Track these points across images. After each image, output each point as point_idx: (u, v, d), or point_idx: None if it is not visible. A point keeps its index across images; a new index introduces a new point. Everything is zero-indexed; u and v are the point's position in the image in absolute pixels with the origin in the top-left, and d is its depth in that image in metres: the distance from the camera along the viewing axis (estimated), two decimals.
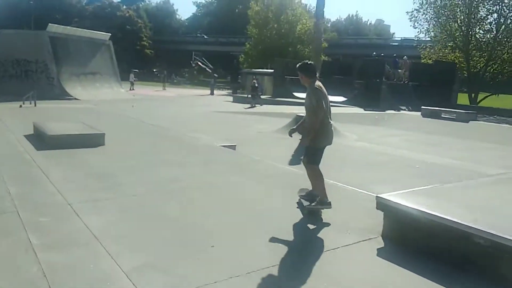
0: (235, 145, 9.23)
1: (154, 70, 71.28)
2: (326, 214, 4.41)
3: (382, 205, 3.84)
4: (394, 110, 20.07)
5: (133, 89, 34.81)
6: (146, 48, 62.46)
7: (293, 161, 7.97)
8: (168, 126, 11.80)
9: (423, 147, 11.76)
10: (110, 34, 28.62)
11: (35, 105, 14.60)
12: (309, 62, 4.66)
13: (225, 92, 44.04)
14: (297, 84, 28.04)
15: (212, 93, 37.54)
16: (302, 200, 4.69)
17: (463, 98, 28.57)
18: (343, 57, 56.88)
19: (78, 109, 15.48)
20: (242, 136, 11.99)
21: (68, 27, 26.56)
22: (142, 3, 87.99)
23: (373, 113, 18.59)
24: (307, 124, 4.43)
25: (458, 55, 27.96)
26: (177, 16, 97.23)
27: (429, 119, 16.67)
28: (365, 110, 20.21)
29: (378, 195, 3.90)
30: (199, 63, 43.56)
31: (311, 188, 4.67)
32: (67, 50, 24.53)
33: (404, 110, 20.60)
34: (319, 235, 3.96)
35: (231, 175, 6.09)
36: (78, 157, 6.68)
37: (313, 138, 4.27)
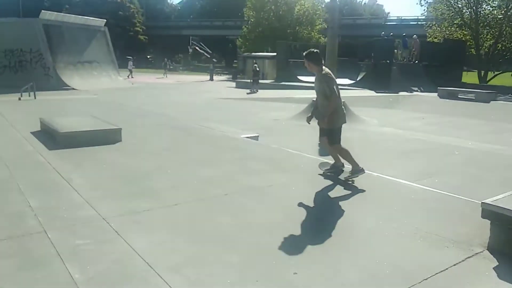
0: (257, 136, 8.56)
1: (148, 56, 70.01)
2: (400, 221, 3.76)
3: (489, 212, 3.18)
4: (407, 91, 19.40)
5: (132, 77, 33.81)
6: (139, 34, 60.88)
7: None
8: (179, 116, 11.09)
9: (451, 130, 11.12)
10: (105, 20, 27.49)
11: (34, 98, 13.74)
12: (315, 50, 4.88)
13: (224, 77, 43.12)
14: (301, 67, 27.25)
15: (211, 79, 36.64)
16: (329, 174, 5.15)
17: (468, 77, 27.92)
18: (342, 38, 55.92)
19: (80, 100, 14.65)
20: (259, 124, 11.29)
21: (62, 13, 25.44)
22: None
23: (386, 96, 17.91)
24: (321, 108, 4.85)
25: (465, 32, 27.18)
26: (169, 1, 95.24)
27: (447, 100, 16.02)
28: (376, 92, 19.50)
29: (484, 202, 3.23)
30: (196, 48, 42.41)
31: (332, 162, 5.21)
32: (62, 38, 23.49)
33: (417, 91, 19.94)
34: (417, 252, 3.26)
35: (274, 174, 5.40)
36: (97, 157, 5.96)
37: (329, 120, 4.70)
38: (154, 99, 16.98)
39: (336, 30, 12.90)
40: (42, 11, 23.48)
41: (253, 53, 36.45)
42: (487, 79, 26.38)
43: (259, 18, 45.70)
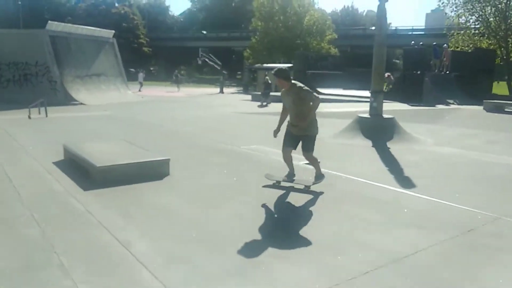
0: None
1: (151, 68, 68.85)
2: None
3: None
4: (442, 104, 18.07)
5: (140, 90, 32.54)
6: (143, 46, 59.77)
7: (415, 183, 5.73)
8: (210, 135, 9.75)
9: None
10: (113, 31, 26.26)
11: (46, 115, 12.33)
12: (285, 68, 5.10)
13: (232, 89, 41.84)
14: (321, 79, 26.07)
15: (221, 91, 35.33)
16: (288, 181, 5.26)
17: (498, 88, 26.62)
18: (351, 48, 54.95)
19: (95, 117, 13.24)
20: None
21: (69, 24, 24.14)
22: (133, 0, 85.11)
23: (424, 109, 16.56)
24: (299, 118, 4.90)
25: (490, 41, 26.00)
26: (170, 12, 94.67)
27: (495, 114, 14.67)
28: (410, 105, 18.17)
29: None
30: (206, 59, 41.19)
31: (288, 171, 5.31)
32: (69, 50, 22.21)
33: (453, 104, 18.60)
34: None
35: (382, 225, 3.97)
36: (150, 201, 4.54)
37: (310, 127, 4.95)
38: (172, 114, 15.57)
39: (384, 38, 11.59)
40: (49, 21, 22.23)
41: (265, 65, 35.17)
42: None
43: (267, 29, 44.61)
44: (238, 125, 13.68)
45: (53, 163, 6.20)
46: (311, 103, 4.81)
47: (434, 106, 17.33)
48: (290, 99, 4.93)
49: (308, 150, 5.03)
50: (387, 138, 10.69)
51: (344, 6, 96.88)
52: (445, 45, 21.80)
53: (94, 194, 4.67)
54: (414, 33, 55.50)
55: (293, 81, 4.94)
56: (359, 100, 22.23)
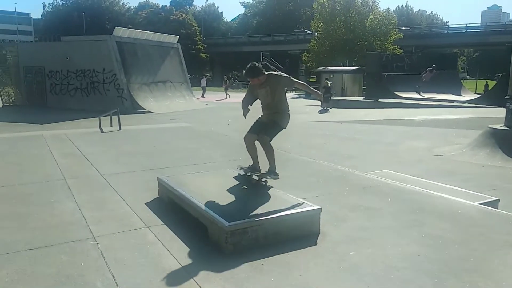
0: (497, 200, 5.10)
1: (207, 74, 68.67)
2: None
3: None
4: None
5: (203, 96, 31.58)
6: (201, 52, 59.50)
7: None
8: (308, 152, 7.90)
9: None
10: (178, 36, 25.35)
11: (119, 128, 11.09)
12: (256, 64, 4.60)
13: (292, 93, 39.93)
14: (398, 82, 23.51)
15: None
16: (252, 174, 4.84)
17: None
18: (415, 48, 51.28)
19: (172, 130, 11.81)
20: (428, 166, 7.90)
21: (135, 30, 23.44)
22: (189, 7, 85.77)
23: None
24: (277, 108, 4.64)
25: None
26: (223, 18, 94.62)
27: None
28: None
29: None
30: (267, 64, 39.70)
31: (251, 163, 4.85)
32: (135, 57, 21.42)
33: None
34: None
35: None
36: None
37: (284, 117, 4.66)
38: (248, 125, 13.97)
39: None
40: (116, 27, 21.60)
41: (329, 67, 33.00)
42: None
43: (328, 30, 42.37)
44: (327, 137, 11.77)
45: (146, 204, 4.61)
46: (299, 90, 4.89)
47: None
48: (268, 89, 4.55)
49: (267, 134, 4.56)
50: None
51: (399, 6, 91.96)
52: None
53: (231, 281, 2.94)
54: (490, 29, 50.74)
55: (267, 72, 4.59)
56: (447, 105, 19.62)
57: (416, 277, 2.95)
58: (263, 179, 4.70)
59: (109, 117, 12.36)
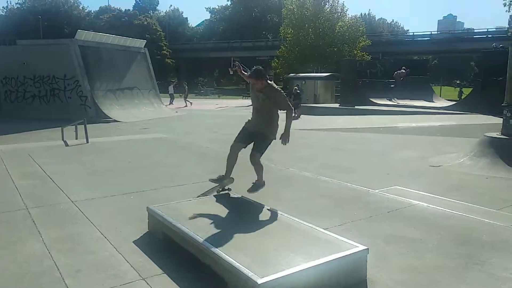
0: None
1: (172, 80, 67.09)
2: None
3: None
4: None
5: (172, 103, 30.34)
6: (166, 58, 57.89)
7: None
8: (307, 167, 7.13)
9: None
10: (145, 40, 24.13)
11: (87, 141, 9.93)
12: (261, 67, 4.67)
13: None
14: (372, 88, 23.31)
15: None
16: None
17: None
18: (382, 55, 52.12)
19: (148, 142, 10.74)
20: (428, 179, 7.35)
21: (100, 33, 22.04)
22: (153, 12, 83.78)
23: None
24: (264, 119, 4.59)
25: None
26: (188, 24, 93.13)
27: None
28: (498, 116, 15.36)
29: None
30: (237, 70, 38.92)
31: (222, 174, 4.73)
32: (100, 62, 20.05)
33: None
34: None
35: None
36: None
37: (274, 130, 4.60)
38: (229, 135, 13.10)
39: None
40: (79, 30, 20.11)
41: (301, 74, 32.62)
42: None
43: (298, 36, 42.19)
44: (313, 147, 11.04)
45: (135, 243, 3.68)
46: (282, 110, 4.58)
47: None
48: (261, 97, 4.55)
49: (258, 151, 4.54)
50: None
51: (361, 14, 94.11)
52: None
53: None
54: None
55: (269, 82, 4.64)
56: (425, 112, 19.54)
57: None
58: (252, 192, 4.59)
59: (73, 127, 11.17)
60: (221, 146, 10.19)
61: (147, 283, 2.94)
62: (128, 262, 3.29)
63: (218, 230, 3.33)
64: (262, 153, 4.57)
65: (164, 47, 58.06)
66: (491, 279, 3.00)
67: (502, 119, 15.47)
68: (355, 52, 42.13)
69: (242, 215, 3.82)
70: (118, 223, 4.19)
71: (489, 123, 15.09)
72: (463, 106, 18.50)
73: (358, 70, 24.54)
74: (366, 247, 2.96)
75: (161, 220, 3.66)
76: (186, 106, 29.71)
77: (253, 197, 4.46)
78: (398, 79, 23.71)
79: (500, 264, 3.23)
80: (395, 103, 22.87)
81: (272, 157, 7.23)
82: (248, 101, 30.51)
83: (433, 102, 23.89)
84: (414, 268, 3.17)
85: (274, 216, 3.81)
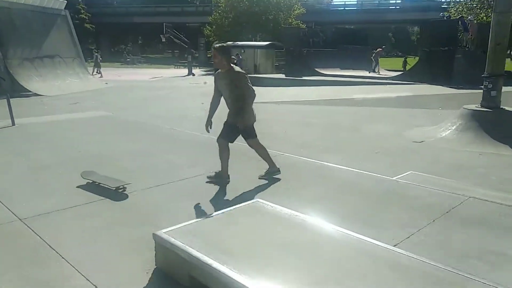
0: None
1: (93, 48, 61.74)
2: None
3: None
4: (476, 86, 15.55)
5: (99, 72, 27.39)
6: (85, 23, 52.47)
7: None
8: (275, 144, 6.14)
9: None
10: (65, 1, 20.99)
11: (12, 123, 7.91)
12: (226, 44, 4.73)
13: (198, 70, 37.38)
14: (316, 58, 22.73)
15: (191, 73, 30.95)
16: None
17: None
18: (315, 24, 51.94)
19: (90, 122, 8.89)
20: (411, 158, 6.73)
21: None
22: None
23: (468, 93, 13.89)
24: (236, 108, 4.41)
25: (489, 14, 24.10)
26: None
27: None
28: (449, 87, 15.55)
29: None
30: (171, 36, 36.11)
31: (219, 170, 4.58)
32: (12, 26, 17.03)
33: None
34: None
35: None
36: None
37: (245, 119, 4.43)
38: (172, 109, 11.59)
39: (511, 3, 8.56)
40: None
41: (239, 42, 31.03)
42: None
43: (232, 2, 40.25)
44: (277, 122, 9.94)
45: None
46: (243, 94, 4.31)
47: (466, 88, 14.87)
48: (225, 82, 4.37)
49: (251, 137, 4.57)
50: None
51: None
52: (470, 17, 19.26)
53: None
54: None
55: (232, 65, 4.36)
56: (372, 82, 19.38)
57: None
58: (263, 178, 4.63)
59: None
60: (151, 119, 8.82)
61: None
62: None
63: (277, 267, 2.19)
64: (255, 136, 4.60)
65: (82, 11, 52.56)
66: None
67: (452, 88, 15.56)
68: (290, 20, 41.31)
69: (292, 237, 2.69)
70: (103, 255, 2.84)
71: (441, 94, 15.22)
72: (410, 76, 18.58)
73: (302, 39, 23.76)
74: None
75: (187, 258, 2.40)
76: (101, 76, 26.58)
77: (270, 199, 3.35)
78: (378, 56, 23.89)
79: None
80: (342, 73, 22.51)
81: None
82: (183, 71, 28.79)
83: (375, 72, 23.95)
84: None
85: (332, 234, 2.73)
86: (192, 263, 2.39)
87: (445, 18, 18.97)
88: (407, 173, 5.34)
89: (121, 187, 4.05)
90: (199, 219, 3.03)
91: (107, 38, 62.37)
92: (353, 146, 7.68)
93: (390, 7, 50.50)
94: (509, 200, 4.13)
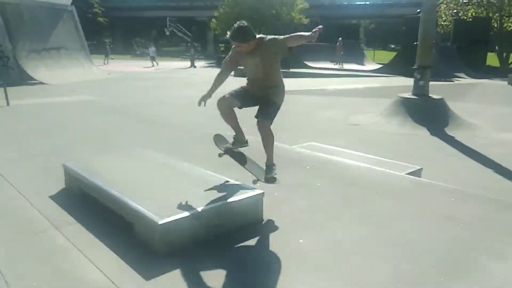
0: (420, 170, 5.23)
1: (107, 41, 63.79)
2: None
3: None
4: (447, 78, 16.55)
5: (107, 63, 29.13)
6: (98, 16, 54.57)
7: None
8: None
9: None
10: None
11: (7, 103, 9.50)
12: (244, 24, 3.48)
13: (202, 63, 38.86)
14: (307, 51, 23.90)
15: (193, 66, 32.43)
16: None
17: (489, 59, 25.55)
18: (320, 19, 52.72)
19: (73, 106, 10.43)
20: (347, 136, 7.98)
21: None
22: None
23: (440, 84, 14.95)
24: (268, 79, 3.56)
25: (479, 11, 24.80)
26: None
27: None
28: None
29: None
30: (175, 30, 37.66)
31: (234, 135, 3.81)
32: (21, 20, 18.68)
33: (461, 78, 17.24)
34: None
35: None
36: None
37: (279, 94, 3.63)
38: (161, 97, 13.04)
39: (435, 2, 9.71)
40: None
41: None
42: (510, 61, 24.21)
43: None
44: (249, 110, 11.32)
45: (51, 198, 3.83)
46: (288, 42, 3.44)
47: (449, 80, 15.87)
48: (256, 61, 3.51)
49: (269, 118, 3.53)
50: (442, 123, 8.96)
51: None
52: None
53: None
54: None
55: (258, 36, 3.50)
56: (354, 74, 20.51)
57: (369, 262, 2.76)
58: (257, 182, 3.70)
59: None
60: (139, 107, 10.22)
61: (60, 232, 3.14)
62: (42, 214, 3.45)
63: (129, 182, 3.56)
64: (272, 119, 3.58)
65: (95, 5, 54.56)
66: (367, 212, 3.54)
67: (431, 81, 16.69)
68: (294, 14, 42.28)
69: (151, 168, 4.06)
70: (37, 182, 4.27)
71: (408, 85, 16.26)
72: (388, 69, 19.64)
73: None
74: (262, 191, 3.35)
75: (76, 176, 3.81)
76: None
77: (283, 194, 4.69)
78: (339, 51, 24.78)
79: (375, 202, 3.79)
80: (330, 67, 23.70)
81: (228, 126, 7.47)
82: (187, 63, 30.08)
83: (363, 65, 25.03)
84: (302, 210, 3.64)
85: (181, 166, 4.07)
86: (80, 180, 3.79)
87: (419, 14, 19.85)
88: (307, 143, 6.64)
89: None
90: (94, 156, 4.44)
91: (120, 31, 64.37)
92: (294, 127, 8.98)
93: (396, 1, 50.85)
94: (369, 161, 5.37)
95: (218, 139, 3.94)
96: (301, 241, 3.04)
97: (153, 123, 8.06)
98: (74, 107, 9.94)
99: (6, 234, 3.11)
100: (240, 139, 3.81)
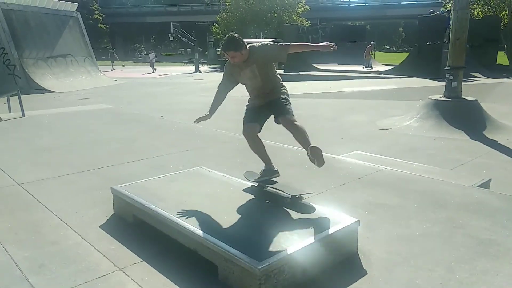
0: (488, 181, 4.78)
1: (108, 47, 63.38)
2: None
3: None
4: (464, 78, 16.10)
5: (113, 68, 28.73)
6: (99, 23, 54.15)
7: None
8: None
9: None
10: (77, 3, 22.24)
11: (23, 114, 9.03)
12: (234, 34, 3.51)
13: (206, 67, 38.44)
14: (314, 54, 23.50)
15: (198, 70, 32.00)
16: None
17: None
18: (320, 20, 52.41)
19: (94, 115, 9.85)
20: (382, 142, 7.57)
21: None
22: None
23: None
24: (271, 84, 3.64)
25: (486, 9, 24.45)
26: None
27: None
28: (434, 80, 16.16)
29: None
30: (178, 35, 37.25)
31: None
32: (27, 27, 18.31)
33: (477, 77, 16.86)
34: None
35: None
36: None
37: (286, 88, 3.74)
38: (176, 104, 12.58)
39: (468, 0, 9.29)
40: None
41: (245, 40, 31.90)
42: None
43: (238, 1, 41.12)
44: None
45: (101, 228, 3.35)
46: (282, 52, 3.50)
47: (467, 80, 15.42)
48: (252, 68, 3.50)
49: (291, 113, 3.56)
50: (480, 127, 8.50)
51: None
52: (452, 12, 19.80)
53: None
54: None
55: (249, 45, 3.51)
56: (365, 76, 20.09)
57: None
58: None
59: (5, 100, 10.15)
60: (152, 112, 9.76)
61: (126, 274, 2.67)
62: (98, 251, 2.97)
63: (198, 211, 3.09)
64: (292, 113, 3.58)
65: (96, 12, 54.18)
66: (476, 241, 3.07)
67: (437, 81, 16.25)
68: (295, 17, 41.99)
69: (219, 192, 3.59)
70: (78, 207, 3.79)
71: (425, 86, 15.87)
72: (400, 70, 19.22)
73: (300, 35, 24.52)
74: (357, 219, 2.87)
75: (131, 202, 3.34)
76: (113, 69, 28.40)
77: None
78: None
79: (479, 226, 3.33)
80: (339, 69, 23.25)
81: (228, 126, 7.02)
82: (191, 68, 29.79)
83: (371, 67, 24.60)
84: (405, 237, 3.16)
85: (250, 190, 3.62)
86: (136, 207, 3.32)
87: (432, 14, 19.51)
88: (353, 152, 6.19)
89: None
90: (148, 178, 3.95)
91: (121, 37, 64.04)
92: (325, 133, 8.54)
93: (394, 3, 50.64)
94: (428, 173, 4.92)
95: (249, 174, 3.89)
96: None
97: (184, 132, 7.57)
98: (93, 117, 9.46)
99: (63, 279, 2.63)
100: (270, 170, 3.73)
